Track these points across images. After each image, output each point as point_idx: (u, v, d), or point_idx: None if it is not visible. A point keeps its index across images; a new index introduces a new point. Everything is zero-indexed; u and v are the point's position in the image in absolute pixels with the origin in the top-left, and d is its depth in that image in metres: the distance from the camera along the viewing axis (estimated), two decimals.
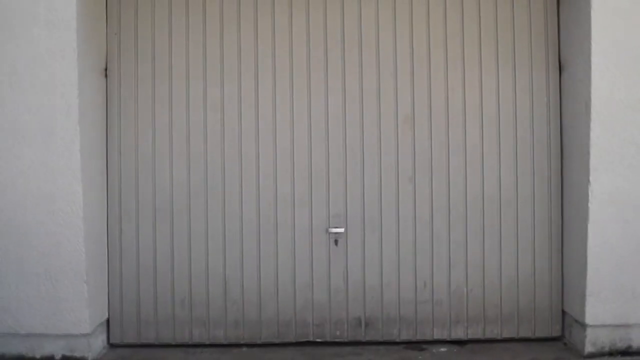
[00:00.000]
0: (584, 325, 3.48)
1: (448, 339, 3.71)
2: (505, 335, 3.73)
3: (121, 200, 3.68)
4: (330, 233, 3.59)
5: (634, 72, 3.39)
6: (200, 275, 3.70)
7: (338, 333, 3.70)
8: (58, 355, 3.40)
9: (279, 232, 3.70)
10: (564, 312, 3.74)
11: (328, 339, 3.70)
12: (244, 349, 3.67)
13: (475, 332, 3.73)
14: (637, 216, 3.44)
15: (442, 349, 3.64)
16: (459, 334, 3.73)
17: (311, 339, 3.71)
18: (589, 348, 3.49)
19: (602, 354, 3.49)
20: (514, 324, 3.73)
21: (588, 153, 3.41)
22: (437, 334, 3.72)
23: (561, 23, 3.74)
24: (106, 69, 3.67)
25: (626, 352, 3.50)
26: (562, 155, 3.74)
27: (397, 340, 3.68)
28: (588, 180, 3.42)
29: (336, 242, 3.64)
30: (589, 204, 3.42)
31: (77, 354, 3.40)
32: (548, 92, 3.75)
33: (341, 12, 3.71)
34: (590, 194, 3.42)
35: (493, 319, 3.72)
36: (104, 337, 3.65)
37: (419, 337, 3.71)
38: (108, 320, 3.68)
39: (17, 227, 3.33)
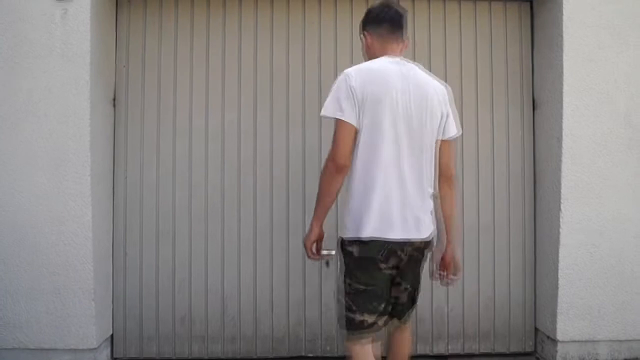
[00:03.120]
0: (555, 341, 3.68)
1: (430, 354, 3.91)
2: (483, 350, 3.93)
3: (126, 223, 3.83)
4: (322, 255, 3.63)
5: (600, 111, 3.62)
6: (199, 294, 3.85)
7: (329, 348, 3.86)
8: None
9: (274, 255, 3.86)
10: (536, 329, 3.94)
11: (319, 354, 3.86)
12: None
13: (455, 348, 3.93)
14: (603, 241, 3.64)
15: None
16: (440, 349, 3.93)
17: (304, 353, 3.86)
18: None
19: None
20: (490, 341, 3.94)
21: (559, 184, 3.61)
22: (421, 349, 3.90)
23: (535, 66, 3.96)
24: (114, 99, 3.83)
25: None
26: (535, 186, 3.95)
27: (384, 354, 3.83)
28: (559, 209, 3.62)
29: (327, 263, 3.81)
30: (560, 230, 3.62)
31: None
32: (523, 127, 3.95)
33: (334, 53, 3.90)
34: (561, 220, 3.61)
35: (472, 335, 3.94)
36: (108, 351, 3.77)
37: None
38: (112, 336, 3.82)
39: (28, 247, 3.45)
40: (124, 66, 3.85)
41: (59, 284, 3.48)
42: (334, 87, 2.53)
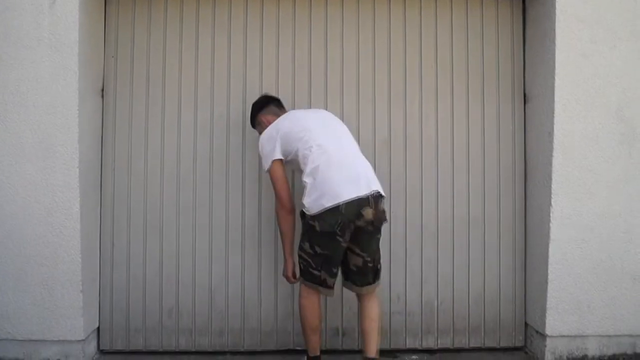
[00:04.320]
0: (544, 336, 3.69)
1: (420, 348, 3.91)
2: (473, 344, 3.93)
3: (114, 215, 3.82)
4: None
5: (592, 106, 3.61)
6: (187, 286, 3.84)
7: None
8: None
9: (262, 247, 3.86)
10: (526, 324, 3.94)
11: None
12: (228, 355, 3.81)
13: (444, 342, 3.92)
14: (593, 237, 3.63)
15: (414, 357, 3.82)
16: (429, 343, 3.92)
17: (292, 347, 3.85)
18: (548, 357, 3.68)
19: None
20: (480, 335, 3.93)
21: (550, 179, 3.61)
22: (410, 343, 3.91)
23: (527, 60, 3.94)
24: (103, 90, 3.81)
25: None
26: (526, 181, 3.94)
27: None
28: (550, 203, 3.61)
29: None
30: (550, 225, 3.61)
31: (71, 359, 3.53)
32: (514, 122, 3.94)
33: (324, 48, 3.90)
34: (551, 215, 3.60)
35: (461, 330, 3.93)
36: (95, 343, 3.78)
37: (392, 346, 3.88)
38: (99, 328, 3.82)
39: (16, 239, 3.45)
40: (113, 56, 3.83)
41: (47, 276, 3.48)
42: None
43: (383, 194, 3.19)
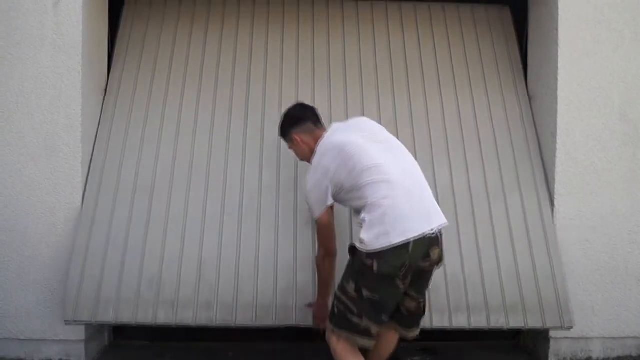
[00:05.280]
0: (547, 338, 3.65)
1: (449, 328, 3.38)
2: (513, 325, 3.41)
3: (103, 177, 3.60)
4: None
5: (595, 106, 3.60)
6: (174, 255, 3.45)
7: None
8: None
9: (261, 218, 3.57)
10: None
11: (311, 324, 3.34)
12: (230, 354, 3.73)
13: (479, 321, 3.40)
14: (597, 238, 3.61)
15: (416, 358, 3.73)
16: (460, 322, 3.39)
17: (294, 323, 3.37)
18: (552, 359, 3.65)
19: None
20: (520, 314, 3.41)
21: (554, 180, 3.61)
22: (437, 323, 3.37)
23: (530, 60, 3.97)
24: (106, 89, 3.84)
25: None
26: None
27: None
28: (553, 204, 3.61)
29: None
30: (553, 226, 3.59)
31: (72, 359, 3.51)
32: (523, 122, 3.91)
33: (327, 48, 3.98)
34: (554, 217, 3.61)
35: (497, 308, 3.41)
36: (99, 341, 3.74)
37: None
38: (65, 296, 3.38)
39: (19, 238, 3.46)
40: (122, 59, 3.91)
41: (49, 275, 3.48)
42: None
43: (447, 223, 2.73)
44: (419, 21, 4.02)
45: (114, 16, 4.01)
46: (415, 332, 2.87)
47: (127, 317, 3.35)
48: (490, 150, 3.80)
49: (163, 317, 3.36)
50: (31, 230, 3.47)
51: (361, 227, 2.61)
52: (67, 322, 3.34)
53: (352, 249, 2.69)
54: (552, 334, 3.64)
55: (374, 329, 2.61)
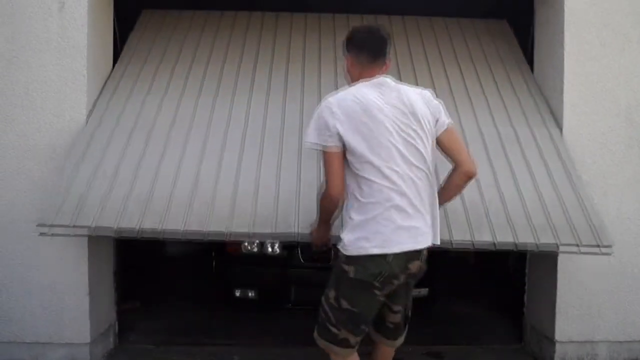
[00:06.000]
0: (553, 341, 3.65)
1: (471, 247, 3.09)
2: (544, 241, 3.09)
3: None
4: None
5: (601, 108, 3.61)
6: (167, 175, 3.26)
7: None
8: None
9: (265, 142, 3.48)
10: (532, 327, 3.90)
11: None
12: (235, 357, 3.74)
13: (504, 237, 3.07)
14: None
15: None
16: (484, 237, 3.07)
17: (295, 239, 3.09)
18: None
19: None
20: (551, 232, 3.12)
21: None
22: (458, 237, 3.06)
23: (536, 63, 3.98)
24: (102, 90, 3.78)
25: None
26: None
27: None
28: None
29: None
30: None
31: None
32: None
33: (334, 64, 4.01)
34: None
35: (522, 226, 3.13)
36: (104, 344, 3.74)
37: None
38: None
39: (24, 242, 3.44)
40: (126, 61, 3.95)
41: (55, 279, 3.47)
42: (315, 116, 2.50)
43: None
44: (422, 33, 4.19)
45: (129, 23, 4.11)
46: (401, 341, 2.78)
47: (108, 223, 3.04)
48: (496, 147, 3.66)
49: (149, 225, 3.04)
50: (36, 233, 3.37)
51: (347, 224, 2.49)
52: (39, 225, 3.03)
53: (336, 251, 2.57)
54: (557, 337, 3.62)
55: (353, 339, 2.53)
